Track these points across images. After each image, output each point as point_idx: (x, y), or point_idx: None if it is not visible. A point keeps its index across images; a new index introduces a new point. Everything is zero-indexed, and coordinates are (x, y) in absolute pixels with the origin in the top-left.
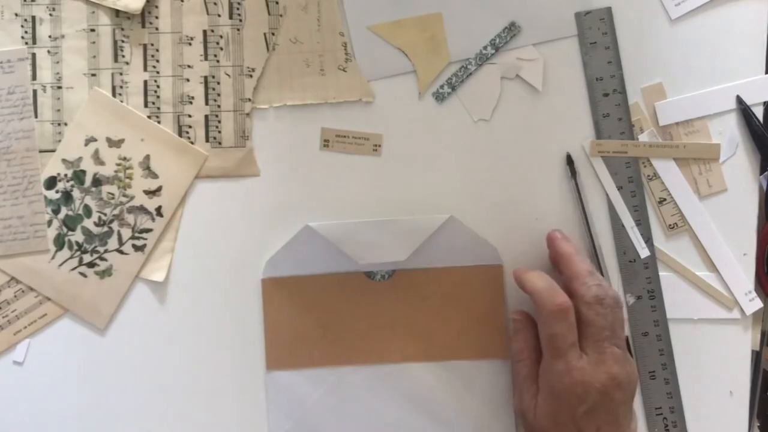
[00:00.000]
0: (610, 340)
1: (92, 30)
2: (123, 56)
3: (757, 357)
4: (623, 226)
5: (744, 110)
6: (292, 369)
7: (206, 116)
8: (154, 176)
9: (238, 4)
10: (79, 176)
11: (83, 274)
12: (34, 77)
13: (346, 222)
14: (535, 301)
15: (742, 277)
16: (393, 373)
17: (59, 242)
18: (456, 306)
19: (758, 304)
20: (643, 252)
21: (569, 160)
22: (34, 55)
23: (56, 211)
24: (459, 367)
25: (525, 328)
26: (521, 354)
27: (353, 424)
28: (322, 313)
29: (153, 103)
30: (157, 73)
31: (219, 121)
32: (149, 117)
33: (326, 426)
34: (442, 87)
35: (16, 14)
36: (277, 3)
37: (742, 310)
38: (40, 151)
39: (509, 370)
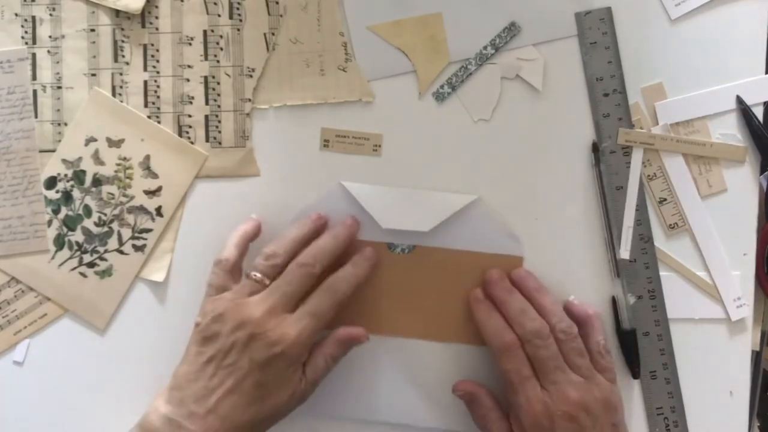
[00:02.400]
0: (561, 369)
1: (92, 30)
2: (123, 56)
3: (757, 357)
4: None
5: (744, 110)
6: None
7: (206, 116)
8: (154, 176)
9: (238, 4)
10: (79, 176)
11: (83, 274)
12: (34, 77)
13: (377, 186)
14: (483, 337)
15: (733, 283)
16: (398, 346)
17: (59, 242)
18: (470, 290)
19: (746, 311)
20: (625, 254)
21: (594, 148)
22: (34, 55)
23: (56, 211)
24: (463, 350)
25: (476, 396)
26: (484, 419)
27: (349, 389)
28: None
29: (153, 103)
30: (157, 73)
31: (219, 121)
32: (149, 117)
33: (329, 389)
34: (442, 87)
35: (16, 14)
36: (277, 3)
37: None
38: (40, 151)
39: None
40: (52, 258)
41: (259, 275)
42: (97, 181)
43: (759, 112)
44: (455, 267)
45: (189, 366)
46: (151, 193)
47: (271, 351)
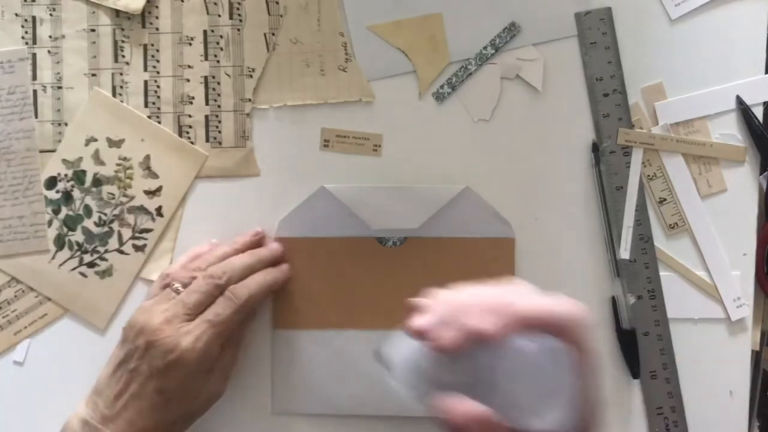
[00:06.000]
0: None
1: (92, 30)
2: (123, 56)
3: (757, 357)
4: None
5: (744, 110)
6: (299, 329)
7: (206, 116)
8: (155, 176)
9: (238, 4)
10: (79, 176)
11: (83, 274)
12: (34, 77)
13: (360, 186)
14: None
15: (733, 283)
16: None
17: (59, 242)
18: (466, 277)
19: (746, 311)
20: (625, 254)
21: (594, 148)
22: (34, 55)
23: (56, 211)
24: None
25: None
26: None
27: (356, 387)
28: (332, 276)
29: (153, 103)
30: (158, 73)
31: (219, 121)
32: (149, 117)
33: (329, 387)
34: (442, 87)
35: (17, 14)
36: (277, 3)
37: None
38: (41, 151)
39: None
40: (53, 258)
41: (176, 285)
42: (98, 181)
43: (759, 112)
44: (448, 255)
45: (106, 369)
46: (152, 193)
47: (167, 358)
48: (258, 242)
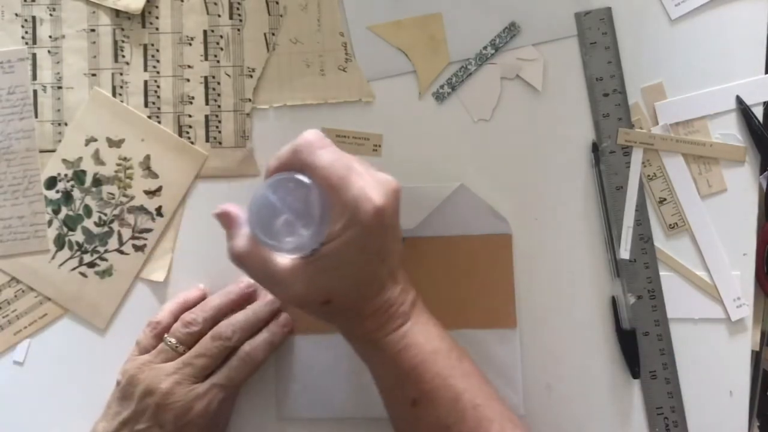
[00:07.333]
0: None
1: (92, 30)
2: (123, 56)
3: (757, 357)
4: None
5: (744, 110)
6: (302, 334)
7: (206, 116)
8: (155, 176)
9: (238, 4)
10: (79, 176)
11: (83, 274)
12: (34, 77)
13: None
14: None
15: (733, 283)
16: None
17: (59, 242)
18: (464, 275)
19: (746, 311)
20: (625, 254)
21: (594, 148)
22: (34, 55)
23: (56, 211)
24: (467, 335)
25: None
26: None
27: (360, 390)
28: None
29: (153, 103)
30: (158, 73)
31: (219, 121)
32: (149, 117)
33: (334, 391)
34: (442, 87)
35: (17, 14)
36: (277, 3)
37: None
38: (41, 151)
39: (517, 339)
40: (53, 258)
41: (173, 341)
42: (98, 181)
43: (759, 112)
44: (446, 254)
45: (106, 423)
46: (152, 193)
47: (180, 422)
48: (251, 294)
